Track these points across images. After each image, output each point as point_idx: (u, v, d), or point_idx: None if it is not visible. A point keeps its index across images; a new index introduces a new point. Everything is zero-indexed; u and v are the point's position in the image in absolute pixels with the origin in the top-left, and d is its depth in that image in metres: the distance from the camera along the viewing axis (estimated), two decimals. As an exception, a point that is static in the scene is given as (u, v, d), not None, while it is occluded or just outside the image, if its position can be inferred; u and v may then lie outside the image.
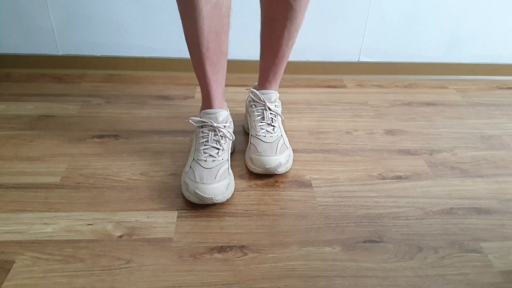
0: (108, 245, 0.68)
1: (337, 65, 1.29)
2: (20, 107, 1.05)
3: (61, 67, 1.23)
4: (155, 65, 1.25)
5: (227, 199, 0.77)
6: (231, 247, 0.68)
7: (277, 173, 0.82)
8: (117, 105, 1.08)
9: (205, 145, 0.79)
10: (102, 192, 0.78)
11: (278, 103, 0.92)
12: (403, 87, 1.27)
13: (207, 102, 0.83)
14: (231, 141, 0.84)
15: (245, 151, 0.90)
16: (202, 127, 0.81)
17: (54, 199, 0.76)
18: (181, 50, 1.23)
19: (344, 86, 1.25)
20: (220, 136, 0.80)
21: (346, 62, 1.29)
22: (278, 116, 0.90)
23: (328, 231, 0.72)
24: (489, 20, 1.26)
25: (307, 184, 0.83)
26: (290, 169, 0.87)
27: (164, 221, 0.73)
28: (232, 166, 0.87)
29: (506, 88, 1.29)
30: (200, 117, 0.82)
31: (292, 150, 0.92)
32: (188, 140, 0.95)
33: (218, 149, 0.79)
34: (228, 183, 0.76)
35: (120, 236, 0.69)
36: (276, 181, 0.84)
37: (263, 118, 0.88)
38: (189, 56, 0.78)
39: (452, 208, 0.79)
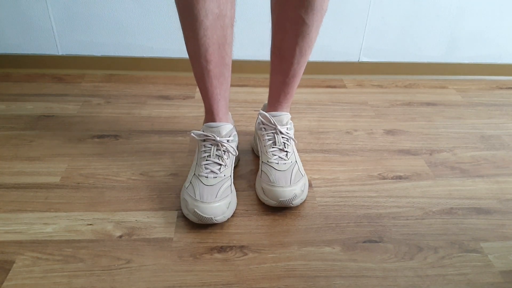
0: (108, 245, 0.68)
1: (337, 65, 1.29)
2: (20, 107, 1.05)
3: (61, 67, 1.23)
4: (155, 65, 1.25)
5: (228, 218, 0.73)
6: (231, 247, 0.68)
7: (292, 205, 0.75)
8: (117, 105, 1.08)
9: (206, 160, 0.75)
10: (102, 192, 0.78)
11: (291, 125, 0.83)
12: (403, 87, 1.27)
13: (210, 115, 0.79)
14: (234, 156, 0.79)
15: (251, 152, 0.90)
16: (204, 140, 0.77)
17: (54, 199, 0.76)
18: (181, 50, 1.23)
19: (344, 86, 1.25)
20: (223, 151, 0.76)
21: (346, 62, 1.29)
22: (291, 140, 0.82)
23: (328, 231, 0.72)
24: (489, 20, 1.26)
25: (307, 184, 0.83)
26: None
27: (164, 221, 0.73)
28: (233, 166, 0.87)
29: (506, 88, 1.29)
30: (203, 131, 0.77)
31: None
32: (189, 140, 0.95)
33: (221, 164, 0.75)
34: (230, 202, 0.72)
35: (120, 236, 0.69)
36: (276, 181, 0.84)
37: (274, 143, 0.80)
38: (192, 70, 0.75)
39: (452, 208, 0.79)
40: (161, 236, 0.70)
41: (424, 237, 0.72)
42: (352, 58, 1.29)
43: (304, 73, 1.29)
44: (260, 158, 0.82)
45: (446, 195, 0.82)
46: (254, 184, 0.82)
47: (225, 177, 0.75)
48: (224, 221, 0.73)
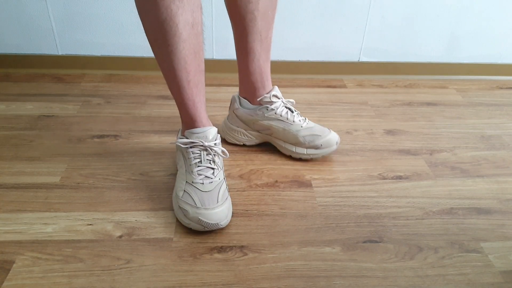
0: (108, 245, 0.67)
1: (337, 65, 1.29)
2: (20, 107, 1.05)
3: (61, 67, 1.23)
4: (155, 65, 1.24)
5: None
6: (231, 247, 0.68)
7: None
8: (117, 105, 1.08)
9: (198, 166, 0.73)
10: (102, 192, 0.78)
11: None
12: (403, 87, 1.27)
13: (192, 123, 0.77)
14: (222, 158, 0.79)
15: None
16: (192, 147, 0.75)
17: (54, 199, 0.76)
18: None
19: (344, 86, 1.25)
20: (214, 154, 0.75)
21: (346, 62, 1.29)
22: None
23: (328, 231, 0.72)
24: (489, 20, 1.26)
25: (307, 184, 0.83)
26: (290, 169, 0.87)
27: (164, 221, 0.73)
28: (231, 166, 0.87)
29: (506, 88, 1.29)
30: (186, 137, 0.76)
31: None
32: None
33: (213, 168, 0.74)
34: (229, 204, 0.73)
35: (120, 236, 0.69)
36: (276, 181, 0.84)
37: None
38: (166, 82, 0.75)
39: (452, 208, 0.79)
40: (161, 236, 0.70)
41: (424, 237, 0.72)
42: (352, 58, 1.29)
43: (304, 73, 1.29)
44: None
45: (446, 195, 0.82)
46: (251, 184, 0.82)
47: (219, 180, 0.74)
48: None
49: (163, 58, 0.70)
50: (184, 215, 0.70)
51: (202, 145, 0.74)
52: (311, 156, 0.89)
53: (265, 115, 0.88)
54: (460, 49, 1.30)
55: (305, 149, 0.88)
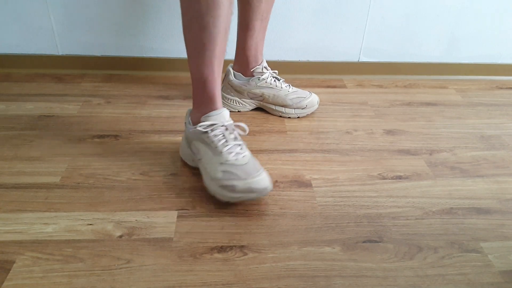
0: (108, 245, 0.68)
1: (337, 65, 1.29)
2: (20, 107, 1.05)
3: (61, 67, 1.23)
4: (155, 65, 1.25)
5: None
6: (231, 247, 0.68)
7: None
8: (117, 105, 1.08)
9: (226, 146, 0.76)
10: (102, 192, 0.78)
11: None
12: (403, 87, 1.27)
13: (209, 104, 0.79)
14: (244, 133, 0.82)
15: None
16: (212, 130, 0.77)
17: (54, 199, 0.76)
18: (181, 50, 1.23)
19: (344, 86, 1.25)
20: (234, 132, 0.78)
21: (346, 62, 1.29)
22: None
23: (328, 231, 0.72)
24: (489, 20, 1.26)
25: (307, 184, 0.83)
26: (290, 169, 0.87)
27: (164, 221, 0.73)
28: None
29: (506, 88, 1.29)
30: (203, 121, 0.78)
31: (292, 150, 0.93)
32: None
33: (240, 144, 0.77)
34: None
35: (120, 236, 0.69)
36: (276, 181, 0.84)
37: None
38: (189, 59, 0.78)
39: (452, 208, 0.79)
40: (161, 236, 0.70)
41: (424, 237, 0.72)
42: (352, 58, 1.29)
43: (304, 73, 1.29)
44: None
45: (446, 195, 0.82)
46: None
47: (249, 153, 0.78)
48: (224, 216, 0.74)
49: (196, 33, 0.73)
50: (232, 190, 0.73)
51: (223, 125, 0.77)
52: (298, 114, 1.05)
53: (257, 84, 1.03)
54: (460, 49, 1.30)
55: (293, 110, 1.05)
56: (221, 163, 0.75)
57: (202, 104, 0.80)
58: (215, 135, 0.77)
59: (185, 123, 0.85)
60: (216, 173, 0.75)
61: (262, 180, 0.73)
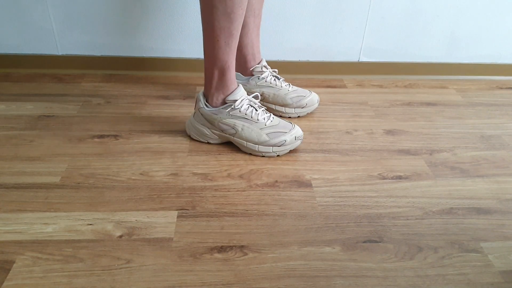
0: (108, 245, 0.68)
1: (337, 65, 1.29)
2: (20, 107, 1.05)
3: (61, 67, 1.23)
4: (155, 65, 1.25)
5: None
6: (231, 247, 0.68)
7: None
8: (117, 105, 1.08)
9: (255, 112, 0.89)
10: (102, 192, 0.78)
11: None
12: (403, 87, 1.27)
13: (231, 85, 0.89)
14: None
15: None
16: (242, 106, 0.89)
17: (54, 199, 0.76)
18: (181, 50, 1.23)
19: (344, 86, 1.25)
20: (254, 102, 0.91)
21: (346, 62, 1.29)
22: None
23: (328, 231, 0.72)
24: (489, 20, 1.26)
25: (307, 184, 0.83)
26: (290, 169, 0.87)
27: (164, 221, 0.73)
28: (231, 166, 0.87)
29: (506, 88, 1.29)
30: (228, 101, 0.89)
31: (292, 150, 0.93)
32: (188, 140, 0.95)
33: (263, 109, 0.91)
34: None
35: (120, 236, 0.69)
36: (276, 181, 0.84)
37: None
38: (214, 50, 0.84)
39: (452, 208, 0.79)
40: (161, 236, 0.70)
41: (424, 237, 0.72)
42: (352, 58, 1.29)
43: (304, 73, 1.29)
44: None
45: (446, 195, 0.82)
46: (251, 184, 0.82)
47: (271, 114, 0.92)
48: (224, 216, 0.74)
49: (221, 17, 0.79)
50: (283, 144, 0.88)
51: (246, 99, 0.89)
52: (298, 114, 1.05)
53: (257, 83, 1.04)
54: (460, 49, 1.30)
55: (293, 109, 1.05)
56: (261, 128, 0.89)
57: (225, 87, 0.89)
58: (246, 109, 0.89)
59: (199, 108, 0.92)
60: (261, 137, 0.88)
61: (298, 129, 0.90)
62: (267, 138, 0.88)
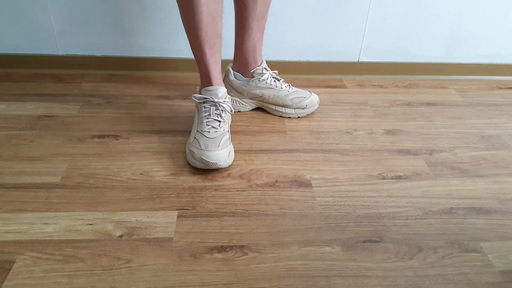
0: (108, 245, 0.68)
1: (337, 65, 1.29)
2: (20, 107, 1.05)
3: (61, 67, 1.23)
4: (155, 65, 1.25)
5: (228, 166, 0.85)
6: (231, 247, 0.68)
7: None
8: (117, 105, 1.08)
9: (207, 118, 0.88)
10: (102, 192, 0.79)
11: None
12: (403, 87, 1.27)
13: (206, 81, 0.91)
14: (230, 114, 0.93)
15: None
16: (204, 102, 0.89)
17: (54, 199, 0.76)
18: (181, 50, 1.23)
19: (344, 86, 1.25)
20: (221, 110, 0.89)
21: (346, 62, 1.29)
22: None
23: (328, 231, 0.72)
24: (489, 20, 1.26)
25: (307, 184, 0.83)
26: (290, 169, 0.87)
27: (164, 221, 0.73)
28: (231, 166, 0.87)
29: (506, 88, 1.29)
30: (201, 94, 0.90)
31: (292, 150, 0.93)
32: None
33: (220, 121, 0.88)
34: (229, 151, 0.85)
35: (120, 236, 0.69)
36: (276, 181, 0.84)
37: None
38: (189, 42, 0.88)
39: (452, 208, 0.79)
40: (161, 236, 0.70)
41: (424, 237, 0.72)
42: (352, 58, 1.29)
43: (304, 73, 1.29)
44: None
45: (446, 195, 0.83)
46: (251, 184, 0.83)
47: (224, 131, 0.88)
48: (224, 216, 0.73)
49: (185, 18, 0.84)
50: (192, 156, 0.84)
51: (212, 101, 0.89)
52: (298, 115, 1.05)
53: (258, 85, 1.03)
54: (460, 49, 1.30)
55: (293, 110, 1.05)
56: (197, 131, 0.87)
57: (202, 80, 0.93)
58: (204, 107, 0.89)
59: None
60: (191, 138, 0.88)
61: (214, 155, 0.82)
62: (191, 140, 0.87)
